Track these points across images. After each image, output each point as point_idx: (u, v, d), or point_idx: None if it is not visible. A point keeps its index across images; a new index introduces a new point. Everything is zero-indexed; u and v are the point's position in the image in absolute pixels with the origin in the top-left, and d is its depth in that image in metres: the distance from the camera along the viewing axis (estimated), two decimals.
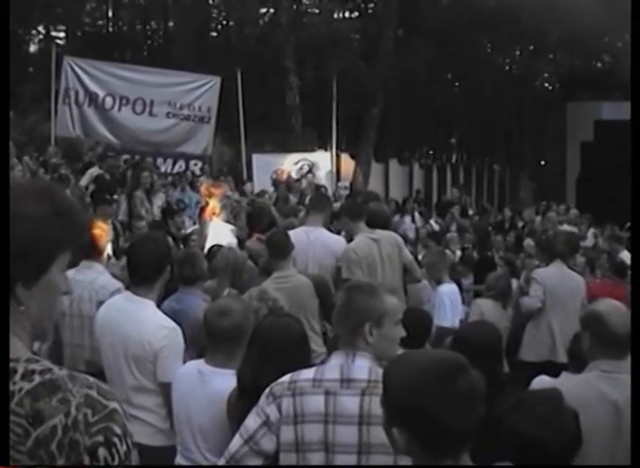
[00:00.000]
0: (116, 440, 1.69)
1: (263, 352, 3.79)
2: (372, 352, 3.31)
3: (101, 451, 1.66)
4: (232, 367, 4.05)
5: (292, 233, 7.42)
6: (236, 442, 3.35)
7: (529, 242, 12.45)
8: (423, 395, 2.20)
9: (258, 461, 3.31)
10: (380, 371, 3.23)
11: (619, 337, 4.05)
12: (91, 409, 1.68)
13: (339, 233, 8.38)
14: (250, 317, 4.20)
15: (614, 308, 4.19)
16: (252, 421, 3.32)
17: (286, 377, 3.34)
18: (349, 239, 7.66)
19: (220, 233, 9.33)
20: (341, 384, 3.24)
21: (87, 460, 1.64)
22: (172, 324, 4.70)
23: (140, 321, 4.66)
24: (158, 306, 5.04)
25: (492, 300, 8.18)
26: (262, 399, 3.32)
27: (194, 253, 6.83)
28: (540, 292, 8.43)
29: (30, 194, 1.77)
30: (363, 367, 3.26)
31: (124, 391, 4.63)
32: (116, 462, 1.67)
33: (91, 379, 1.75)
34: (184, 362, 4.58)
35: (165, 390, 4.55)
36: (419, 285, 8.32)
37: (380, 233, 7.66)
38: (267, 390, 3.32)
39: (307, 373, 3.35)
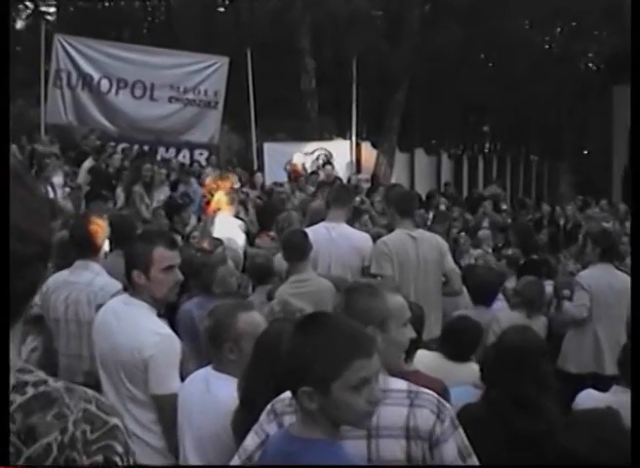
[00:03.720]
0: (117, 459, 1.66)
1: (256, 360, 3.81)
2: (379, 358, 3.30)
3: None
4: (229, 372, 4.10)
5: (311, 230, 7.39)
6: (234, 462, 3.35)
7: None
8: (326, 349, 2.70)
9: None
10: (389, 380, 3.23)
11: None
12: (90, 425, 1.66)
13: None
14: (232, 321, 4.19)
15: None
16: (250, 440, 3.31)
17: (288, 393, 3.26)
18: (379, 234, 7.61)
19: (228, 229, 9.33)
20: None
21: None
22: (166, 330, 4.66)
23: (131, 326, 4.62)
24: (173, 310, 5.03)
25: (517, 311, 8.08)
26: (263, 416, 3.30)
27: (203, 261, 6.86)
28: (586, 299, 8.36)
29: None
30: None
31: (119, 404, 4.62)
32: None
33: (90, 392, 1.73)
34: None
35: (158, 403, 4.54)
36: None
37: (421, 232, 7.64)
38: (269, 406, 3.30)
39: None
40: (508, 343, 4.38)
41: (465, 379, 5.75)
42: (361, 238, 7.81)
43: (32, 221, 1.69)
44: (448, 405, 3.31)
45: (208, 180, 12.10)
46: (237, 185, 10.58)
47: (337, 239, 7.60)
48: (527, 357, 4.51)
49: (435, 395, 3.28)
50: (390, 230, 8.01)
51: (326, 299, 6.56)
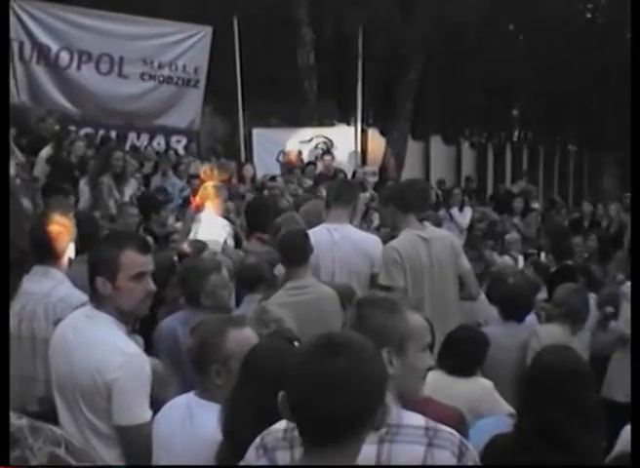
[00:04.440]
0: None
1: (242, 383, 3.80)
2: (392, 387, 3.27)
3: None
4: (216, 399, 4.06)
5: (311, 232, 7.41)
6: None
7: None
8: (295, 378, 2.74)
9: None
10: (404, 414, 3.23)
11: None
12: None
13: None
14: (220, 340, 4.18)
15: None
16: None
17: (280, 424, 3.27)
18: (391, 235, 7.58)
19: (212, 229, 9.33)
20: None
21: None
22: (132, 348, 4.60)
23: (92, 343, 4.56)
24: (151, 326, 4.99)
25: (557, 324, 8.11)
26: (251, 451, 3.29)
27: (191, 266, 6.85)
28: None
29: None
30: None
31: (79, 438, 4.55)
32: None
33: (58, 433, 1.71)
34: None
35: (123, 436, 4.49)
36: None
37: (432, 231, 7.63)
38: (257, 440, 3.28)
39: None
40: (543, 365, 4.40)
41: (470, 397, 5.79)
42: (369, 240, 7.82)
43: (12, 228, 1.70)
44: (471, 447, 3.31)
45: (204, 170, 12.09)
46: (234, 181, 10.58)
47: (340, 242, 7.61)
48: (563, 382, 4.52)
49: (457, 435, 3.27)
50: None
51: (327, 309, 6.59)
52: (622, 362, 8.49)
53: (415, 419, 3.24)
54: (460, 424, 4.28)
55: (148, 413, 4.44)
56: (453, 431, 3.28)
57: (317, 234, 7.45)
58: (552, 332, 7.76)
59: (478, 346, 6.29)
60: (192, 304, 6.48)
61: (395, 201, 7.66)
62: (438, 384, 5.68)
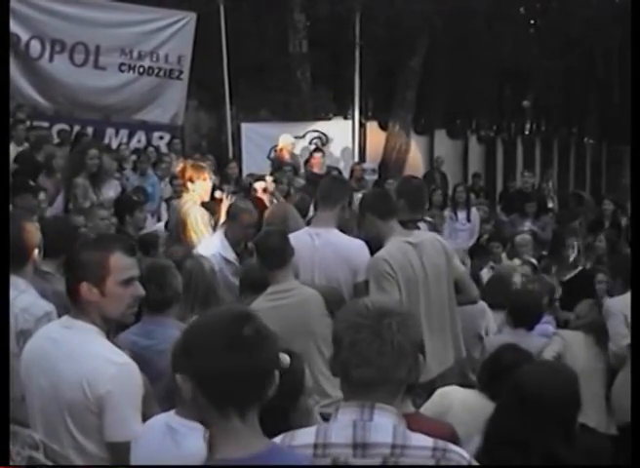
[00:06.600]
0: None
1: None
2: (397, 404, 3.30)
3: None
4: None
5: (292, 236, 7.37)
6: None
7: None
8: (206, 336, 2.97)
9: None
10: (410, 434, 3.23)
11: None
12: None
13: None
14: None
15: None
16: None
17: (276, 440, 3.27)
18: (378, 246, 7.56)
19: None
20: (355, 451, 3.20)
21: None
22: (123, 358, 4.60)
23: (78, 354, 4.55)
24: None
25: (582, 333, 8.15)
26: None
27: (161, 265, 6.78)
28: None
29: None
30: (385, 426, 3.23)
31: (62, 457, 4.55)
32: None
33: (36, 437, 1.77)
34: None
35: (116, 454, 4.45)
36: (473, 308, 8.30)
37: (419, 235, 7.62)
38: None
39: (306, 436, 3.32)
40: (535, 387, 4.41)
41: None
42: (352, 246, 7.68)
43: None
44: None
45: (180, 168, 12.14)
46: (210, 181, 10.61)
47: (321, 248, 7.57)
48: (558, 405, 4.49)
49: (467, 455, 3.30)
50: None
51: (312, 312, 6.60)
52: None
53: (422, 440, 3.25)
54: (452, 441, 4.30)
55: (142, 428, 4.44)
56: (463, 452, 3.31)
57: (298, 239, 7.42)
58: (573, 341, 7.83)
59: None
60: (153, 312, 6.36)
61: (372, 209, 7.66)
62: (476, 407, 5.69)
